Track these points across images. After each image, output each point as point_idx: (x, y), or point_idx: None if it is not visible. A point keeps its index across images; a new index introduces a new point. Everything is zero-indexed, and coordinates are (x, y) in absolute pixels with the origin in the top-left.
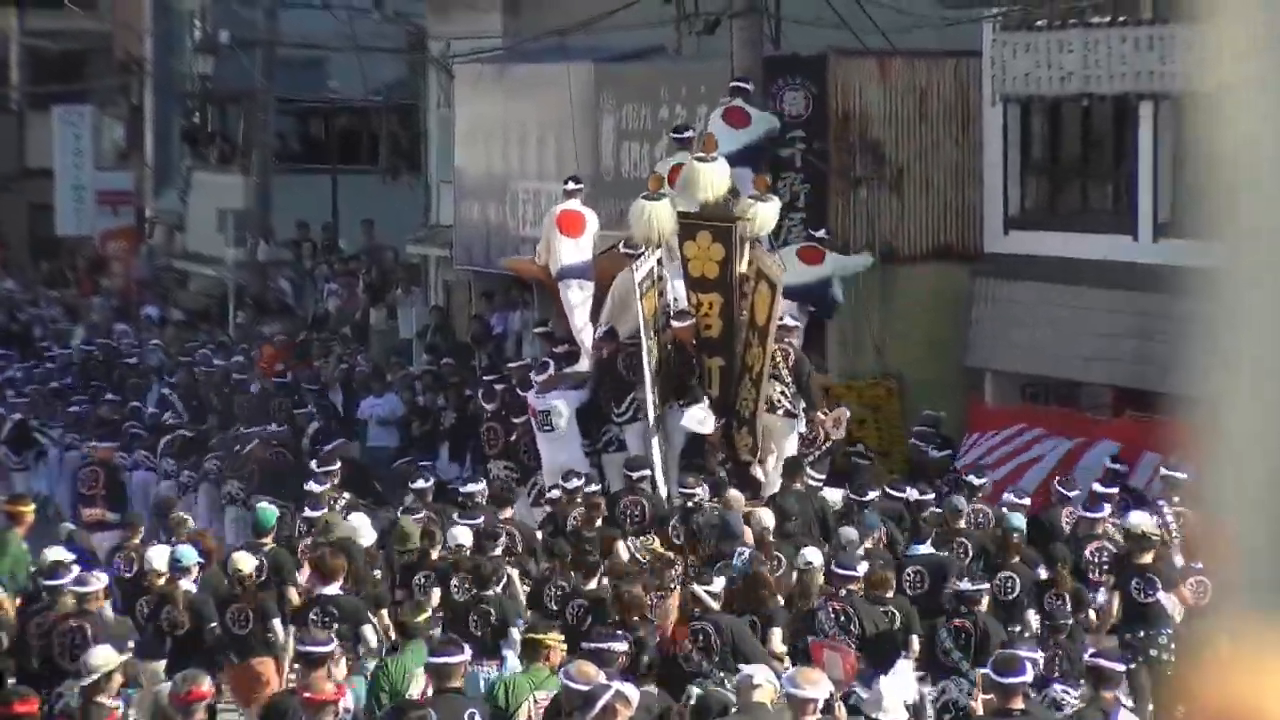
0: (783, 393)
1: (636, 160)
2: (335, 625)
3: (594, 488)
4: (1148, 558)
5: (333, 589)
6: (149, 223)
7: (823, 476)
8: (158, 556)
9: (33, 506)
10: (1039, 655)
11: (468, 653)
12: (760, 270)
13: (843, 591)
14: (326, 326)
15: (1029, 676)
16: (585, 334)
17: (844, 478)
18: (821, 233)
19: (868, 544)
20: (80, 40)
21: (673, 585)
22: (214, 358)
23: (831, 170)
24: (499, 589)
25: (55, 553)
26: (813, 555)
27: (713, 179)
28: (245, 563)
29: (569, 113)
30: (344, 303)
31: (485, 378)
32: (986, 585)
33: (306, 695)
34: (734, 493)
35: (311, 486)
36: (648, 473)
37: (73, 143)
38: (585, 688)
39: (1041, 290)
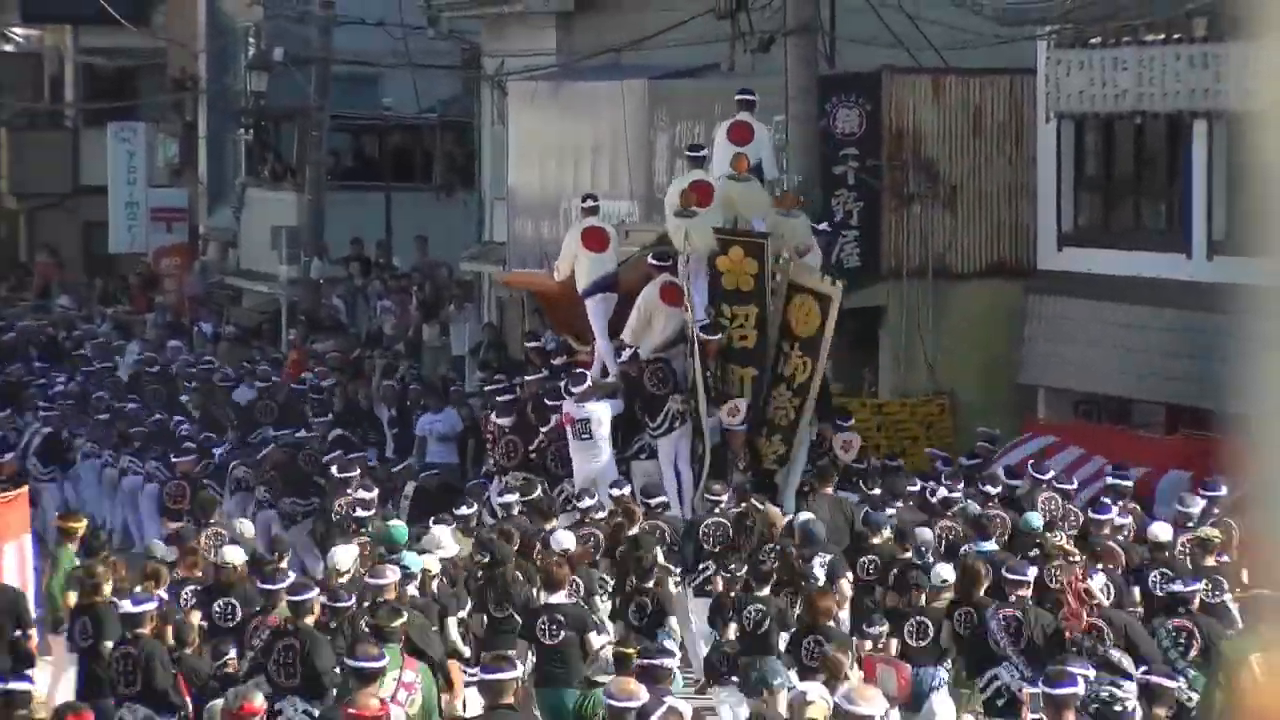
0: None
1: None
2: (562, 633)
3: (625, 491)
4: (1211, 560)
5: (559, 597)
6: (202, 239)
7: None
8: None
9: (84, 522)
10: (1090, 671)
11: (519, 669)
12: (801, 284)
13: (1013, 598)
14: (380, 343)
15: (1080, 689)
16: (606, 349)
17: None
18: (824, 226)
19: (876, 540)
20: (134, 57)
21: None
22: (273, 373)
23: (885, 188)
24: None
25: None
26: (946, 573)
27: (746, 197)
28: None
29: (623, 130)
30: (397, 319)
31: (489, 390)
32: (1201, 584)
33: (351, 711)
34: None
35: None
36: (665, 498)
37: (126, 159)
38: (630, 704)
39: (1095, 308)
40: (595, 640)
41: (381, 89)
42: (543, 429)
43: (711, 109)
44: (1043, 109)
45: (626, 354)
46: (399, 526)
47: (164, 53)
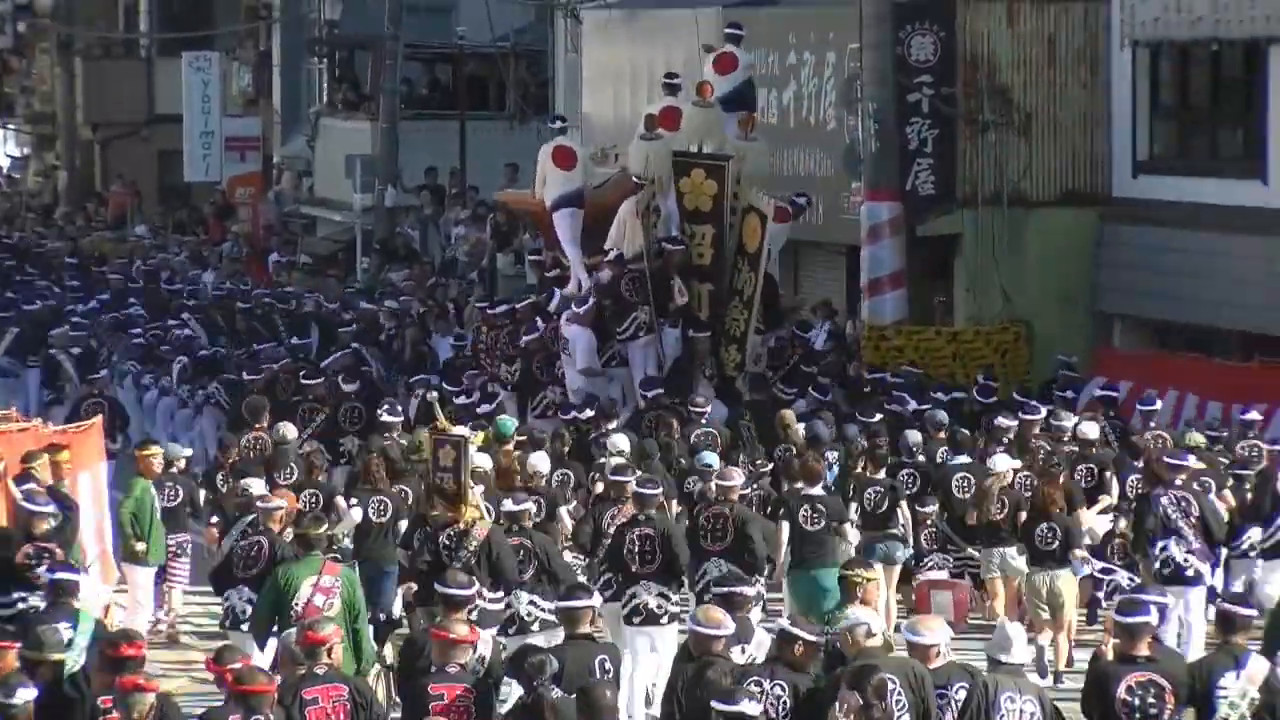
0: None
1: (764, 106)
2: (821, 521)
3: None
4: None
5: (817, 490)
6: (276, 168)
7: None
8: None
9: (160, 451)
10: (1167, 599)
11: (597, 599)
12: (750, 204)
13: (1177, 480)
14: (454, 272)
15: (1154, 618)
16: (575, 257)
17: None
18: (801, 199)
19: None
20: None
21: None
22: (358, 300)
23: (959, 115)
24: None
25: None
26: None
27: (704, 121)
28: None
29: (696, 58)
30: (472, 248)
31: (479, 306)
32: None
33: (440, 634)
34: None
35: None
36: (662, 390)
37: (201, 89)
38: (718, 632)
39: (1170, 235)
40: (849, 531)
41: (455, 17)
42: (526, 337)
43: (785, 37)
44: (1118, 36)
45: (612, 255)
46: (506, 420)
47: None
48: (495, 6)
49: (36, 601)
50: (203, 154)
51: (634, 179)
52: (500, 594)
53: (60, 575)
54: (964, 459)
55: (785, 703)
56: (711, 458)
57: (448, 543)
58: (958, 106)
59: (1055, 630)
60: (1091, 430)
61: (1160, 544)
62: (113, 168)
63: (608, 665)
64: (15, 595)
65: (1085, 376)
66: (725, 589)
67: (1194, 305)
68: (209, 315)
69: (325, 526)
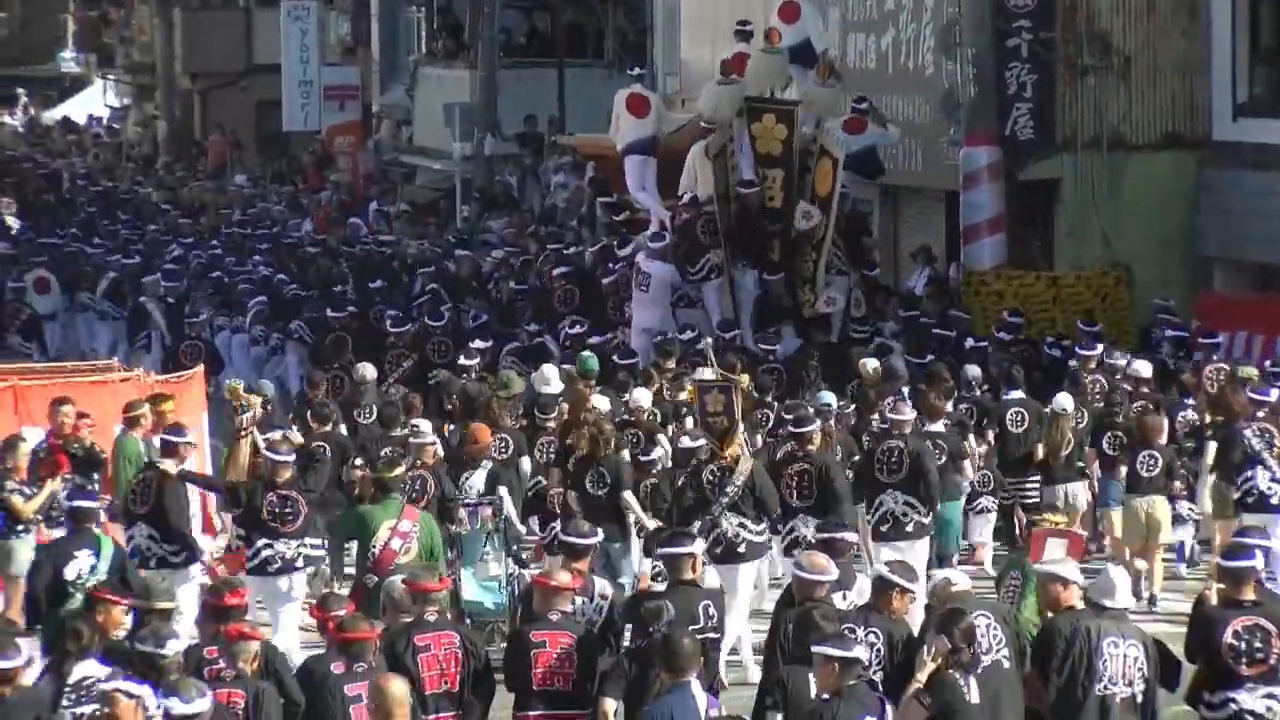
0: (836, 255)
1: (862, 50)
2: (942, 458)
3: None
4: None
5: (938, 426)
6: (375, 117)
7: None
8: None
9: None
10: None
11: (699, 544)
12: (824, 147)
13: (1259, 414)
14: (554, 220)
15: (1259, 562)
16: (649, 200)
17: None
18: (864, 105)
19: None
20: None
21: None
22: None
23: (1059, 60)
24: None
25: None
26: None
27: (771, 68)
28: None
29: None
30: (571, 196)
31: (551, 249)
32: None
33: (543, 581)
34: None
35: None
36: (738, 331)
37: (299, 38)
38: (822, 578)
39: (1270, 179)
40: (968, 467)
41: None
42: (605, 280)
43: None
44: None
45: (687, 198)
46: (590, 357)
47: None
48: None
49: (283, 549)
50: (301, 103)
51: (704, 125)
52: (764, 526)
53: (79, 503)
54: (1018, 394)
55: (879, 650)
56: (829, 397)
57: (711, 479)
58: (1057, 51)
59: (1149, 555)
60: (1145, 369)
61: (1246, 473)
62: (212, 118)
63: (711, 610)
64: (260, 544)
65: (1183, 321)
66: (828, 534)
67: None
68: (283, 260)
69: (401, 469)
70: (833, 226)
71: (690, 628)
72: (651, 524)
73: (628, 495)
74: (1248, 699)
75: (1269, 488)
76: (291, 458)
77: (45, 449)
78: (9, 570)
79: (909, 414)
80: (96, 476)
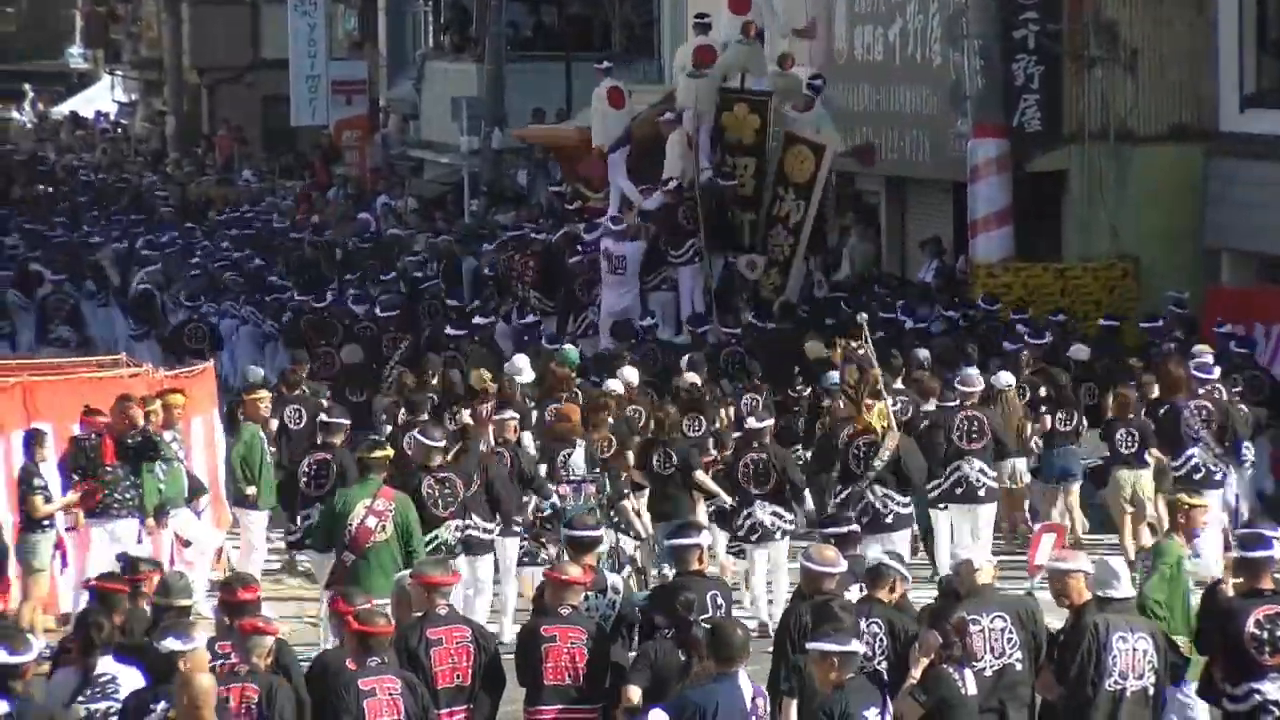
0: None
1: (869, 43)
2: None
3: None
4: None
5: None
6: (383, 111)
7: None
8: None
9: (268, 395)
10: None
11: (706, 536)
12: (794, 134)
13: (1200, 391)
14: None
15: (1276, 552)
16: (630, 190)
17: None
18: (820, 82)
19: None
20: None
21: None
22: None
23: (1066, 51)
24: None
25: None
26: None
27: (752, 58)
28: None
29: None
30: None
31: (512, 234)
32: None
33: (554, 575)
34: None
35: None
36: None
37: (307, 32)
38: (830, 569)
39: (1278, 170)
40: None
41: None
42: (570, 260)
43: None
44: None
45: (672, 184)
46: (571, 350)
47: None
48: None
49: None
50: (309, 98)
51: (667, 118)
52: (907, 499)
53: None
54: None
55: (882, 640)
56: (835, 375)
57: (857, 453)
58: (1063, 43)
59: (1136, 524)
60: (1082, 353)
61: (1189, 450)
62: (219, 113)
63: (719, 600)
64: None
65: (1193, 314)
66: (837, 529)
67: None
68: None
69: (383, 451)
70: (813, 214)
71: (701, 617)
72: (728, 501)
73: (699, 475)
74: (1272, 689)
75: (1212, 463)
76: (443, 443)
77: (94, 439)
78: (31, 563)
79: (978, 385)
80: (156, 466)
